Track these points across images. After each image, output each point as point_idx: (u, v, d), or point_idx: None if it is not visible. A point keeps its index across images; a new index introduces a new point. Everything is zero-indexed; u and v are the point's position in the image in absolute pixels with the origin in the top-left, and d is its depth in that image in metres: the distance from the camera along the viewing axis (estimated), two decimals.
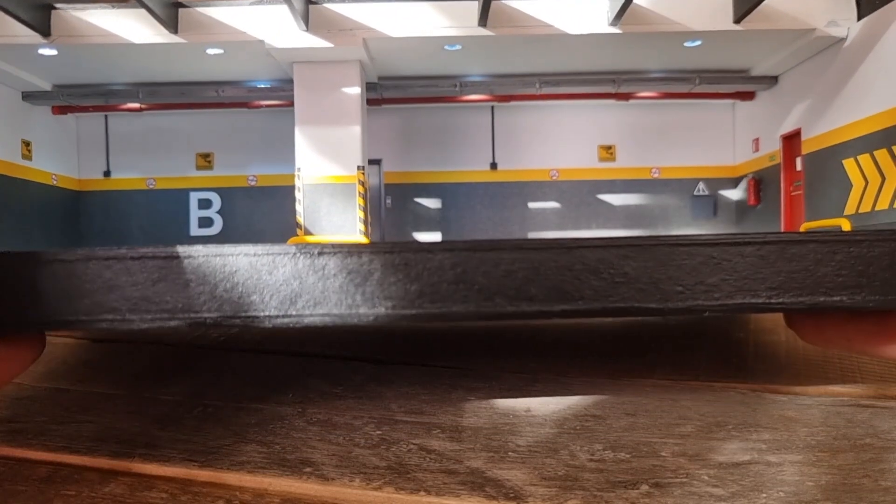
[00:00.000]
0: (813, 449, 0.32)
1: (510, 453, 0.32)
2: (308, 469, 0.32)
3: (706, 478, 0.30)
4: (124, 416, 0.37)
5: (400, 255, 0.28)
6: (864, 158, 0.72)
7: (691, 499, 0.28)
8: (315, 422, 0.35)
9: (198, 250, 0.28)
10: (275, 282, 0.28)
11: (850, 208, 0.76)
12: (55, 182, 0.97)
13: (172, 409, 0.38)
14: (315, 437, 0.34)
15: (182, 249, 0.28)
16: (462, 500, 0.29)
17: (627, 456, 0.32)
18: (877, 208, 0.74)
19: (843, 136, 0.80)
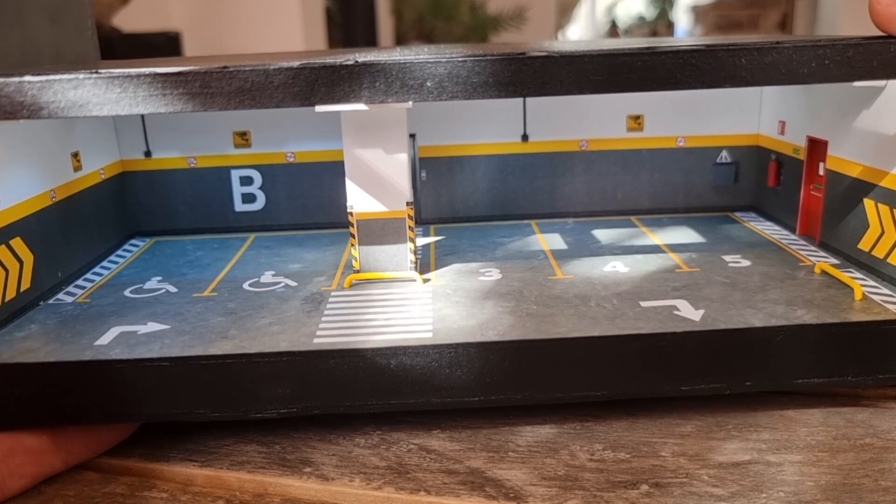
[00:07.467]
0: (813, 449, 0.32)
1: (510, 453, 0.32)
2: (308, 469, 0.32)
3: (706, 478, 0.30)
4: None
5: None
6: (884, 209, 0.71)
7: (691, 499, 0.28)
8: (315, 422, 0.35)
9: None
10: None
11: (864, 244, 0.75)
12: (103, 176, 0.97)
13: None
14: (315, 437, 0.34)
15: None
16: (462, 500, 0.29)
17: (627, 456, 0.32)
18: (889, 261, 0.74)
19: (870, 177, 0.78)
